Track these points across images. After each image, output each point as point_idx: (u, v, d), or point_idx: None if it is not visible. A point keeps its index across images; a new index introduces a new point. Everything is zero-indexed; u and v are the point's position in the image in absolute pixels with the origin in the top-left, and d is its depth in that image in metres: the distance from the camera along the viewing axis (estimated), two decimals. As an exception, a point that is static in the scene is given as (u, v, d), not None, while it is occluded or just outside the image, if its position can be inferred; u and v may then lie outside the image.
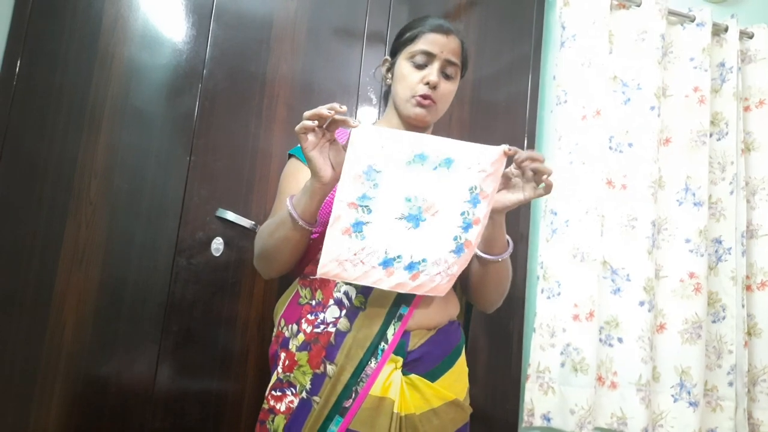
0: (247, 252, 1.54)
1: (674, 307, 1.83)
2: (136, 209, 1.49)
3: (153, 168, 1.51)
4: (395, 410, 0.98)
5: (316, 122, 0.90)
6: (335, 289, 1.05)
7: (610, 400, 1.78)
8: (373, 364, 1.00)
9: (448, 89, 1.15)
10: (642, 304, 1.78)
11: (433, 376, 1.05)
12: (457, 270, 0.96)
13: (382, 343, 1.02)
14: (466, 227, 0.94)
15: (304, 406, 1.00)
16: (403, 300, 1.04)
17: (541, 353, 1.76)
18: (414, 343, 1.04)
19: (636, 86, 1.88)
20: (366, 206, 0.91)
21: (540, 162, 0.96)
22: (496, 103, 1.82)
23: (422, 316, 1.06)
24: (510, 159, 0.96)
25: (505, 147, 0.93)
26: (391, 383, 1.00)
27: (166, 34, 1.56)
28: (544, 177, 0.95)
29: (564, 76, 1.87)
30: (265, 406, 1.07)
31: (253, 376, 1.51)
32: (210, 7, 1.59)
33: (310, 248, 1.10)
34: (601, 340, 1.79)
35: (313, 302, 1.07)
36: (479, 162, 0.92)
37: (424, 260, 0.93)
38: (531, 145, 1.84)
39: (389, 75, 1.21)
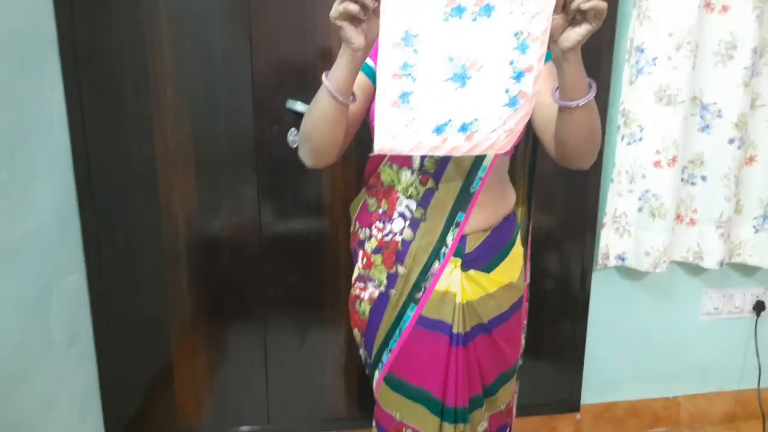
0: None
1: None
2: (213, 110, 1.55)
3: (220, 65, 1.52)
4: (457, 300, 1.15)
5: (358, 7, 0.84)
6: (398, 203, 1.17)
7: (687, 237, 1.82)
8: (436, 265, 1.16)
9: None
10: (732, 141, 1.70)
11: (489, 268, 1.18)
12: (515, 125, 0.92)
13: (443, 248, 1.15)
14: (518, 76, 0.88)
15: (383, 297, 1.20)
16: (460, 207, 1.14)
17: (618, 199, 1.77)
18: (470, 246, 1.16)
19: None
20: (409, 74, 0.88)
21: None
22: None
23: (477, 220, 1.15)
24: None
25: None
26: (452, 280, 1.16)
27: None
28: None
29: None
30: (353, 293, 1.27)
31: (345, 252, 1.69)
32: None
33: (370, 162, 1.19)
34: (683, 179, 1.77)
35: (380, 211, 1.19)
36: (522, 3, 0.84)
37: (476, 119, 0.91)
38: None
39: None
